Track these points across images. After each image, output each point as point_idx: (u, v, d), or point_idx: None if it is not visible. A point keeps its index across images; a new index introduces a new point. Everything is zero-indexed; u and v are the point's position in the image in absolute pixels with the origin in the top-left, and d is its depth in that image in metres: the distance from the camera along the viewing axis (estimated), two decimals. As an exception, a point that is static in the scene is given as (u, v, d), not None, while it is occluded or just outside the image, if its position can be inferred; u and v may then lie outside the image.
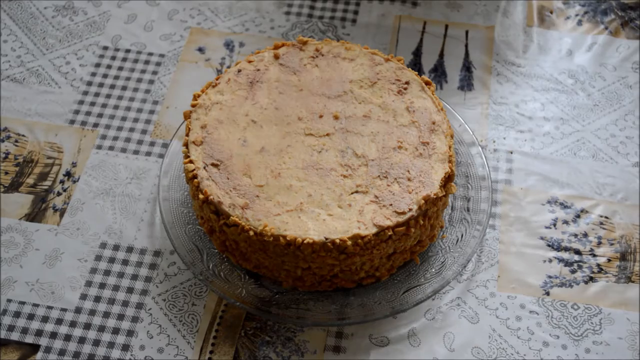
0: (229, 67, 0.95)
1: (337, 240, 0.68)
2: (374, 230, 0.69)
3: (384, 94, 0.78)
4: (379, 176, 0.73)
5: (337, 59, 0.81)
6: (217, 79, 0.80)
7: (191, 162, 0.74)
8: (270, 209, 0.70)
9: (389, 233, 0.69)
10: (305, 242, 0.68)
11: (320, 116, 0.77)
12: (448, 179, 0.73)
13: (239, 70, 0.80)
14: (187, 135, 0.76)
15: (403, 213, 0.70)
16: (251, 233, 0.69)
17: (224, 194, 0.71)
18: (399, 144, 0.75)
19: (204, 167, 0.73)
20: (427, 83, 0.80)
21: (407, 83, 0.79)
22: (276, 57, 0.81)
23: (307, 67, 0.81)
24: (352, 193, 0.72)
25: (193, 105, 0.78)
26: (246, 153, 0.74)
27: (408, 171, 0.73)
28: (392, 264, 0.74)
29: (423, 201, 0.70)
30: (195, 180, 0.73)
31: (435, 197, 0.71)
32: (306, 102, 0.78)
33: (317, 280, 0.73)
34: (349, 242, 0.68)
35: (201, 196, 0.72)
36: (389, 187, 0.72)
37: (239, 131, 0.76)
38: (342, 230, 0.69)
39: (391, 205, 0.70)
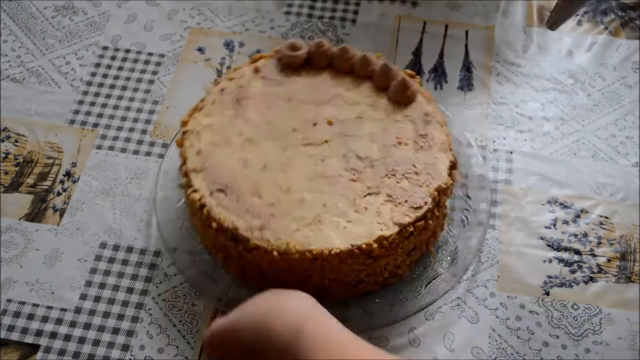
0: (229, 67, 0.95)
1: (364, 246, 0.67)
2: (396, 229, 0.69)
3: (372, 93, 0.78)
4: (386, 175, 0.72)
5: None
6: (202, 102, 0.78)
7: (195, 191, 0.72)
8: (288, 226, 0.69)
9: (410, 229, 0.69)
10: (332, 252, 0.67)
11: (315, 124, 0.76)
12: (452, 167, 0.73)
13: (222, 90, 0.79)
14: (183, 164, 0.74)
15: (420, 207, 0.70)
16: (275, 254, 0.67)
17: (238, 218, 0.69)
18: (398, 139, 0.75)
19: (210, 194, 0.71)
20: (411, 76, 0.80)
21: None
22: (256, 70, 0.80)
23: (290, 77, 0.80)
24: (365, 196, 0.71)
25: (183, 132, 0.76)
26: (250, 173, 0.72)
27: (414, 165, 0.73)
28: (411, 260, 0.74)
29: (436, 192, 0.71)
30: (205, 209, 0.70)
31: (445, 187, 0.71)
32: (297, 112, 0.77)
33: (344, 289, 0.72)
34: (375, 245, 0.68)
35: (214, 225, 0.69)
36: (399, 184, 0.72)
37: (237, 152, 0.74)
38: (365, 234, 0.68)
39: (406, 201, 0.70)
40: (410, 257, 0.74)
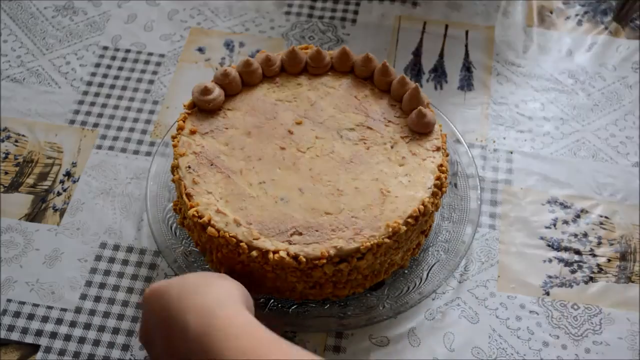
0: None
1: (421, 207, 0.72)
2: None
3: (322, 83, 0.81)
4: (402, 137, 0.76)
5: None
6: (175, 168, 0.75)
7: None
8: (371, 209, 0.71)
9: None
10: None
11: (290, 132, 0.76)
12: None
13: (188, 167, 0.73)
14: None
15: (438, 149, 0.76)
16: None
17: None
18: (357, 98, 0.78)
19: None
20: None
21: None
22: (192, 132, 0.76)
23: (227, 115, 0.78)
24: (392, 147, 0.75)
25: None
26: (299, 202, 0.72)
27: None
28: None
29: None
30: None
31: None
32: (267, 137, 0.76)
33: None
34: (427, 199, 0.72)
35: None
36: (418, 142, 0.76)
37: (247, 179, 0.73)
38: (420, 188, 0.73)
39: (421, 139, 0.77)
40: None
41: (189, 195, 0.71)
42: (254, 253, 0.68)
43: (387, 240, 0.68)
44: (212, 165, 0.73)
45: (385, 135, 0.76)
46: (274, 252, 0.67)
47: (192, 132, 0.76)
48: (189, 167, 0.73)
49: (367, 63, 0.79)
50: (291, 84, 0.80)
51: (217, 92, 0.77)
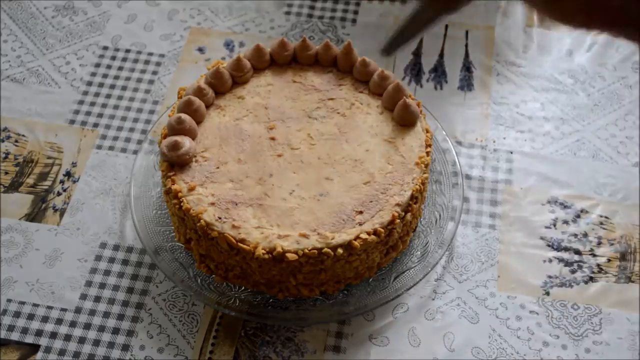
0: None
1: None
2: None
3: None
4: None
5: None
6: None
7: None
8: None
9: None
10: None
11: (272, 138, 0.75)
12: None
13: (219, 218, 0.70)
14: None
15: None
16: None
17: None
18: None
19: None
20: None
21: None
22: (192, 188, 0.72)
23: (206, 157, 0.74)
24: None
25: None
26: (337, 189, 0.72)
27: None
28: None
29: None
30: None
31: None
32: (258, 154, 0.74)
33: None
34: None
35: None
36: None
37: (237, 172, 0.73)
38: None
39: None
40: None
41: (243, 241, 0.68)
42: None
43: (426, 175, 0.73)
44: (236, 204, 0.70)
45: (347, 97, 0.78)
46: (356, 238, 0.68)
47: (192, 189, 0.71)
48: (219, 218, 0.69)
49: (327, 50, 0.81)
50: (233, 100, 0.78)
51: (187, 142, 0.73)
